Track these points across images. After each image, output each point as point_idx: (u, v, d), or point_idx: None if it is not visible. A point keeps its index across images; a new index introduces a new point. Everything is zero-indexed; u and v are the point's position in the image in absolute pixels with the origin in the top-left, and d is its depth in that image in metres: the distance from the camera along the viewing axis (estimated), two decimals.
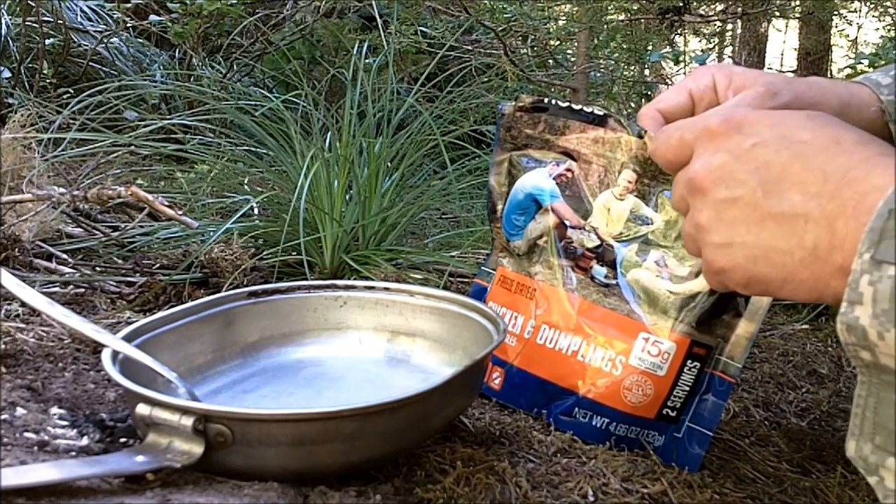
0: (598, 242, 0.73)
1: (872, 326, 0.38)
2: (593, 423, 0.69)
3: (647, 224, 0.72)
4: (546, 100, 0.77)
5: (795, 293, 0.45)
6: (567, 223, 0.74)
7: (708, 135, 0.50)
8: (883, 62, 2.39)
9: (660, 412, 0.69)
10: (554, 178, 0.76)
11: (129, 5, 2.64)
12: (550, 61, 2.95)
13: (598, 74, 3.08)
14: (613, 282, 0.71)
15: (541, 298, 0.74)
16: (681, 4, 2.49)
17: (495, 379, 0.75)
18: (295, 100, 1.43)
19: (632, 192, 0.72)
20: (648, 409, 0.69)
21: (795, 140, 0.46)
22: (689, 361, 0.68)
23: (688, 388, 0.69)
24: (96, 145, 1.40)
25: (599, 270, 0.72)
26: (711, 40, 4.45)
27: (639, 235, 0.72)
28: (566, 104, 0.76)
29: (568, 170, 0.75)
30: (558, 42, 3.17)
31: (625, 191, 0.72)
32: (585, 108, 0.75)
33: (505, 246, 0.79)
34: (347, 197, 1.21)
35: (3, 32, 2.28)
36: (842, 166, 0.43)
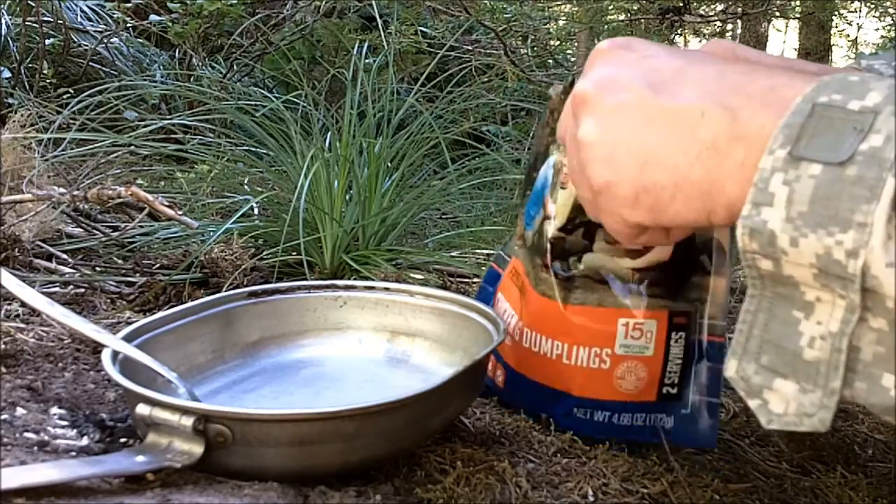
0: (552, 234, 0.69)
1: (785, 231, 0.34)
2: (595, 418, 0.68)
3: None
4: None
5: (687, 205, 0.41)
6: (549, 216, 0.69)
7: (594, 55, 0.47)
8: None
9: (660, 392, 0.67)
10: (553, 166, 0.71)
11: (129, 5, 2.64)
12: (550, 61, 2.95)
13: None
14: (572, 273, 0.68)
15: (527, 299, 0.72)
16: (681, 4, 2.49)
17: (499, 376, 0.75)
18: (295, 100, 1.43)
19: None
20: (647, 392, 0.67)
21: (688, 51, 0.44)
22: (674, 333, 0.66)
23: (680, 361, 0.67)
24: (96, 145, 1.40)
25: (556, 264, 0.68)
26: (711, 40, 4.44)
27: (580, 222, 0.67)
28: None
29: None
30: (558, 42, 3.17)
31: (566, 177, 0.67)
32: None
33: (521, 234, 0.75)
34: (347, 197, 1.21)
35: (3, 32, 2.28)
36: (741, 70, 0.41)
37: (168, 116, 1.82)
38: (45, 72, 2.13)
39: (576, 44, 2.72)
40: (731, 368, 0.38)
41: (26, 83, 2.15)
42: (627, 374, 0.67)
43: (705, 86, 0.41)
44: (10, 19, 2.37)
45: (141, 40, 2.71)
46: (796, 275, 0.35)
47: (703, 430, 0.67)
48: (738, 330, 0.38)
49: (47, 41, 2.24)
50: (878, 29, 5.14)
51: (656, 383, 0.67)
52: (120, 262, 1.08)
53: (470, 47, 2.62)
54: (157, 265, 1.01)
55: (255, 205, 1.22)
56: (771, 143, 0.36)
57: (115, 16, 2.65)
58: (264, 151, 1.40)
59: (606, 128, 0.44)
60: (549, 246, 0.68)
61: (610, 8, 2.83)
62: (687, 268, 0.67)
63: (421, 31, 2.81)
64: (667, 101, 0.41)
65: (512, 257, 0.76)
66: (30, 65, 2.22)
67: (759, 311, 0.37)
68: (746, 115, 0.38)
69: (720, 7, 3.08)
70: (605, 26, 2.86)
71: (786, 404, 0.37)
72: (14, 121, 1.46)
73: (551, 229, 0.68)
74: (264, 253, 1.07)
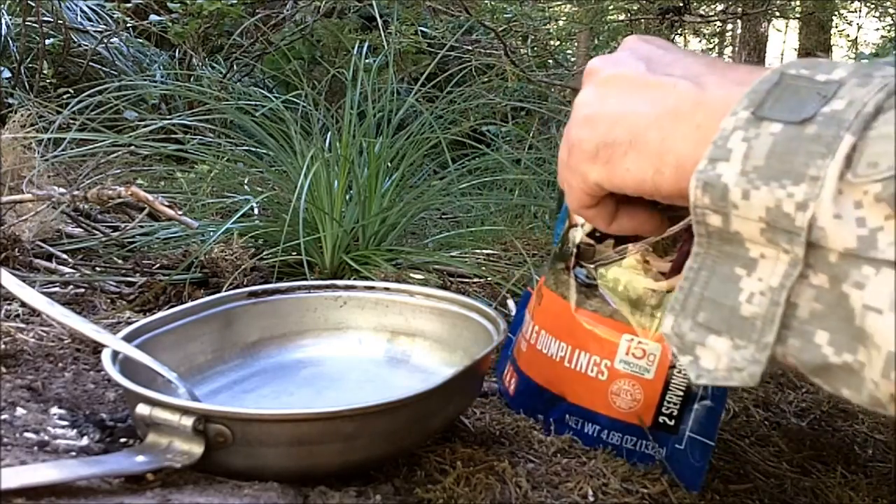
0: (580, 240, 0.69)
1: (738, 184, 0.35)
2: (585, 430, 0.67)
3: None
4: None
5: (637, 162, 0.43)
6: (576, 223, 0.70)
7: (621, 45, 0.51)
8: None
9: (655, 420, 0.65)
10: None
11: (129, 5, 2.65)
12: (550, 61, 2.95)
13: None
14: (594, 282, 0.68)
15: (545, 303, 0.72)
16: (681, 4, 2.49)
17: (512, 384, 0.75)
18: (295, 100, 1.43)
19: None
20: (640, 416, 0.66)
21: (691, 51, 0.48)
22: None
23: (682, 393, 0.65)
24: (96, 145, 1.40)
25: (580, 270, 0.69)
26: (711, 40, 4.45)
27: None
28: None
29: None
30: (558, 42, 3.17)
31: None
32: None
33: (554, 253, 0.76)
34: (347, 197, 1.21)
35: (3, 32, 2.28)
36: (733, 66, 0.44)
37: (168, 116, 1.82)
38: (45, 72, 2.14)
39: (576, 44, 2.72)
40: (666, 325, 0.39)
41: (26, 83, 2.15)
42: (623, 392, 0.65)
43: (692, 68, 0.44)
44: (10, 19, 2.37)
45: (141, 40, 2.71)
46: (743, 231, 0.36)
47: (692, 470, 0.64)
48: (678, 288, 0.39)
49: (47, 41, 2.24)
50: (878, 29, 5.13)
51: (652, 410, 0.65)
52: (120, 262, 1.08)
53: (470, 47, 2.62)
54: (157, 265, 1.01)
55: (255, 205, 1.22)
56: (735, 107, 0.37)
57: (115, 16, 2.65)
58: (264, 151, 1.40)
59: (597, 93, 0.47)
60: (575, 250, 0.69)
61: (610, 8, 2.82)
62: None
63: (421, 31, 2.81)
64: (653, 77, 0.45)
65: (542, 276, 0.76)
66: (30, 65, 2.22)
67: (702, 269, 0.38)
68: (714, 88, 0.41)
69: (720, 7, 3.08)
70: (605, 26, 2.85)
71: (717, 360, 0.37)
72: (14, 121, 1.46)
73: (579, 235, 0.69)
74: (264, 253, 1.07)
